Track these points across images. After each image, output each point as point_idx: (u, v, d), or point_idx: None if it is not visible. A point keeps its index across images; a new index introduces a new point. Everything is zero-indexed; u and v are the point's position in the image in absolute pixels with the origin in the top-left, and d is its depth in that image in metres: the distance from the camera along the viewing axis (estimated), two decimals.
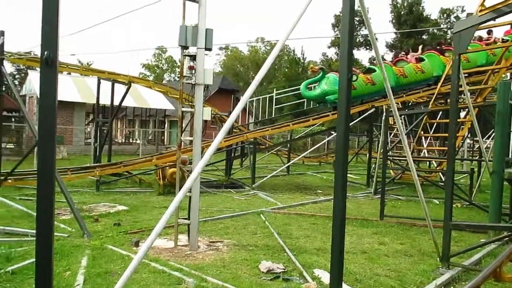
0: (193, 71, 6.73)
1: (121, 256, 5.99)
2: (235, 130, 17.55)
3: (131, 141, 36.55)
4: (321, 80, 14.35)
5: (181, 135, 7.12)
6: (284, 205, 10.55)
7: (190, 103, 7.11)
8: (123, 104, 17.15)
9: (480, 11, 5.46)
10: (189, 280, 5.08)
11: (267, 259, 5.99)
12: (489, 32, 15.72)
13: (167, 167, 12.35)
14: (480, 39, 15.77)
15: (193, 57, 6.74)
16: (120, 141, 35.40)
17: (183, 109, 7.00)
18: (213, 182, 14.63)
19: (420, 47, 16.87)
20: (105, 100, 17.40)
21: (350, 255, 6.23)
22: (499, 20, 7.23)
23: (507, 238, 6.61)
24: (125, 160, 14.59)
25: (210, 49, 6.85)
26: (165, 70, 74.01)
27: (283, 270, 5.56)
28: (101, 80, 16.75)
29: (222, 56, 71.14)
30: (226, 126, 4.48)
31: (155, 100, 31.40)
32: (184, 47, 6.71)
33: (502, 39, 15.54)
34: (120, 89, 16.15)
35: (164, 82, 54.18)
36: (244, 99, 4.73)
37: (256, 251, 6.48)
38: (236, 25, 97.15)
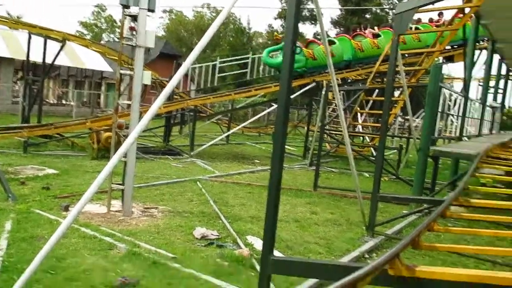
0: (134, 33, 6.43)
1: (48, 221, 5.76)
2: (176, 97, 17.18)
3: (64, 102, 34.62)
4: (282, 49, 14.43)
5: (119, 99, 6.86)
6: (221, 174, 10.60)
7: (130, 66, 6.84)
8: (57, 62, 16.15)
9: None
10: (121, 246, 5.01)
11: (202, 226, 6.04)
12: (440, 14, 16.39)
13: (102, 131, 11.88)
14: (431, 20, 16.49)
15: (134, 18, 6.42)
16: (52, 101, 33.40)
17: (122, 71, 6.72)
18: (151, 148, 14.34)
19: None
20: (36, 57, 16.24)
21: (283, 223, 6.44)
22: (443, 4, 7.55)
23: (426, 210, 7.12)
24: (56, 121, 13.82)
25: (153, 11, 6.56)
26: (104, 30, 70.10)
27: (217, 237, 5.64)
28: (33, 36, 15.55)
29: (165, 19, 68.49)
30: (166, 90, 4.37)
31: (92, 60, 29.74)
32: (125, 6, 6.37)
33: (416, 27, 16.33)
34: (54, 46, 15.13)
35: (102, 42, 51.43)
36: (186, 64, 4.61)
37: (191, 218, 6.50)
38: None
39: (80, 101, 32.94)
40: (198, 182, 9.25)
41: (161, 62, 34.16)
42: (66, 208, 6.36)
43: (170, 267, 4.56)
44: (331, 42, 15.55)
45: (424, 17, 18.44)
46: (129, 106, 6.78)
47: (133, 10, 6.43)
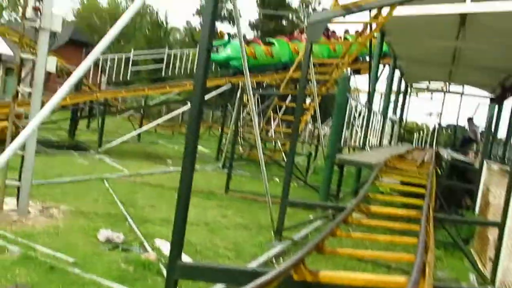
0: (39, 14, 5.91)
1: None
2: (85, 89, 16.23)
3: None
4: (225, 45, 15.54)
5: (19, 85, 6.28)
6: (131, 173, 10.20)
7: (33, 50, 6.29)
8: None
9: (334, 6, 5.95)
10: (14, 249, 4.58)
11: (107, 228, 5.72)
12: (334, 32, 17.73)
13: None
14: (346, 32, 17.70)
15: None
16: None
17: (23, 55, 6.15)
18: (54, 143, 13.34)
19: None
20: None
21: (193, 227, 6.35)
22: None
23: (330, 216, 7.51)
24: None
25: None
26: (5, 8, 63.98)
27: (123, 240, 5.40)
28: None
29: (77, 4, 64.26)
30: (72, 79, 4.10)
31: None
32: None
33: (345, 37, 17.59)
34: None
35: (2, 21, 46.86)
36: (95, 52, 4.37)
37: (96, 219, 6.15)
38: None
39: None
40: (105, 181, 8.78)
41: (69, 50, 31.96)
42: None
43: (69, 273, 4.26)
44: (270, 43, 16.07)
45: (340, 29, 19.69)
46: (30, 94, 6.23)
47: None
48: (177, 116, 25.64)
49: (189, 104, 18.64)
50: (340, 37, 17.93)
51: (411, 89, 20.06)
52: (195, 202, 7.75)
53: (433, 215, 4.80)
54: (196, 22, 56.83)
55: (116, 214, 6.52)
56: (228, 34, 16.40)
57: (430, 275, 2.74)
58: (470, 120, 17.29)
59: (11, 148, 3.34)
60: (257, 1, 52.25)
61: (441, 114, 22.03)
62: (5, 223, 5.44)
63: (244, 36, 15.95)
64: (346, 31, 18.47)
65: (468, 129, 17.55)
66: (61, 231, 5.41)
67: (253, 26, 52.49)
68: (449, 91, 20.46)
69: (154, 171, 11.02)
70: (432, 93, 22.37)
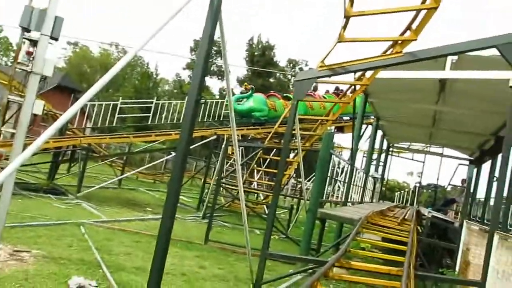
0: (31, 58, 6.00)
1: None
2: (69, 133, 16.15)
3: None
4: (248, 98, 16.86)
5: (2, 126, 6.24)
6: (108, 219, 9.96)
7: (20, 93, 6.31)
8: None
9: (320, 67, 6.18)
10: None
11: (80, 274, 5.51)
12: (315, 89, 18.67)
13: None
14: (337, 89, 18.60)
15: (33, 43, 6.02)
16: None
17: (11, 97, 6.18)
18: (32, 185, 13.04)
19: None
20: None
21: (169, 277, 6.15)
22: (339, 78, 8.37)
23: (311, 270, 7.36)
24: None
25: (56, 39, 6.20)
26: None
27: None
28: None
29: (68, 51, 65.32)
30: (58, 123, 4.11)
31: None
32: (26, 29, 5.95)
33: (324, 96, 18.57)
34: None
35: None
36: (84, 98, 4.42)
37: (69, 265, 5.91)
38: (91, 23, 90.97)
39: None
40: (81, 226, 8.54)
41: (57, 95, 32.13)
42: None
43: None
44: (288, 98, 16.83)
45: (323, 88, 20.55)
46: (13, 135, 6.18)
47: (34, 34, 6.04)
48: (160, 164, 25.59)
49: (173, 153, 18.75)
50: (319, 96, 18.74)
51: (392, 149, 20.49)
52: (173, 252, 7.58)
53: (414, 272, 4.76)
54: (185, 75, 58.20)
55: (90, 261, 6.29)
56: (252, 88, 17.82)
57: None
58: (464, 181, 17.38)
59: None
60: (245, 58, 54.05)
61: (421, 174, 22.42)
62: None
63: (253, 89, 17.78)
64: (327, 91, 19.47)
65: (459, 190, 17.75)
66: (30, 276, 5.18)
67: (241, 81, 53.84)
68: (429, 152, 20.95)
69: (133, 218, 10.78)
70: (413, 153, 22.87)
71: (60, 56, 62.61)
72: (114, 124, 18.87)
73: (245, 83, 19.50)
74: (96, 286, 5.24)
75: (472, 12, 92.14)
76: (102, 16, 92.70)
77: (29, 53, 6.00)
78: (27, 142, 6.87)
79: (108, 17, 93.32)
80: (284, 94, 19.79)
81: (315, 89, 18.96)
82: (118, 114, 18.32)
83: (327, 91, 19.90)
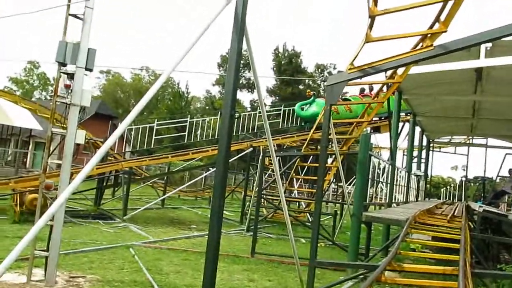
0: (69, 91, 6.27)
1: None
2: (110, 158, 16.66)
3: None
4: (311, 103, 17.37)
5: (48, 158, 6.51)
6: (156, 239, 10.15)
7: (62, 125, 6.57)
8: None
9: (349, 69, 6.11)
10: None
11: None
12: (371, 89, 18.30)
13: (27, 193, 11.08)
14: (363, 91, 18.28)
15: (70, 76, 6.29)
16: None
17: (54, 129, 6.44)
18: (80, 212, 13.51)
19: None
20: None
21: None
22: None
23: (362, 276, 7.21)
24: None
25: (91, 70, 6.47)
26: (36, 87, 67.87)
27: None
28: None
29: (102, 80, 67.84)
30: (101, 151, 4.25)
31: (20, 117, 28.30)
32: (62, 64, 6.24)
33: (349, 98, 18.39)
34: None
35: (33, 99, 49.50)
36: (123, 125, 4.56)
37: (123, 287, 6.06)
38: (121, 50, 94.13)
39: (4, 160, 30.79)
40: (130, 249, 8.75)
41: (95, 122, 33.41)
42: None
43: None
44: (348, 100, 17.14)
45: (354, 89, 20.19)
46: (58, 166, 6.45)
47: (70, 68, 6.30)
48: (200, 181, 25.91)
49: (211, 169, 18.98)
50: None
51: (433, 144, 19.90)
52: (221, 267, 7.61)
53: (470, 270, 4.58)
54: (215, 91, 59.01)
55: (142, 282, 6.43)
56: (314, 94, 18.55)
57: None
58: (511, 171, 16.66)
59: (44, 218, 3.41)
60: (272, 68, 54.22)
61: (466, 167, 21.61)
62: None
63: (314, 95, 18.01)
64: (362, 90, 18.98)
65: (508, 180, 16.95)
66: None
67: (271, 92, 53.98)
68: (472, 144, 20.21)
69: (179, 237, 10.94)
70: (455, 147, 22.13)
71: (95, 85, 65.09)
72: (152, 146, 19.33)
73: (308, 90, 19.99)
74: None
75: None
76: (131, 42, 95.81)
77: (67, 86, 6.27)
78: (72, 171, 7.16)
79: (137, 42, 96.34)
80: (345, 97, 19.68)
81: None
82: (155, 135, 18.74)
83: (362, 90, 19.50)
